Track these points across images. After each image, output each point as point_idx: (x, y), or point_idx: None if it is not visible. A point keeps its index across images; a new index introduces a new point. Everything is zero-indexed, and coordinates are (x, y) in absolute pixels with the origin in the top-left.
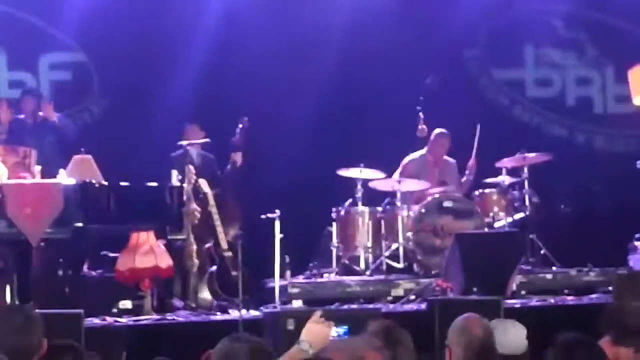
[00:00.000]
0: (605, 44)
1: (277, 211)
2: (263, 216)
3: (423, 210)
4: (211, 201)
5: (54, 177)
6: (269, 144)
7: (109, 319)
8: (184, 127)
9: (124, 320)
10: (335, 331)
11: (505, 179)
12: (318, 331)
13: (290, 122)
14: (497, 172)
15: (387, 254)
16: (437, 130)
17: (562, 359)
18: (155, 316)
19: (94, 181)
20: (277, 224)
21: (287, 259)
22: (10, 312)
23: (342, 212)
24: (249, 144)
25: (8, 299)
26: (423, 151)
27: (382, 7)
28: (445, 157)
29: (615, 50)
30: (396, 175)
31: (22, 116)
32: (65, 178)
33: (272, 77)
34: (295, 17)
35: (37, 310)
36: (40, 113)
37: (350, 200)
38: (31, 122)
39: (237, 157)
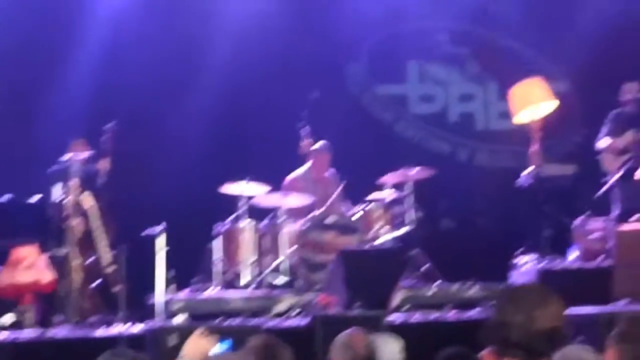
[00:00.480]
0: (488, 60)
1: (163, 224)
2: (145, 232)
3: (306, 226)
4: (93, 215)
5: None
6: (157, 156)
7: None
8: (69, 142)
9: (5, 335)
10: (219, 346)
11: (388, 195)
12: (199, 347)
13: (177, 135)
14: (380, 188)
15: (270, 269)
16: (317, 146)
17: None
18: (37, 331)
19: None
20: (163, 237)
21: (172, 274)
22: None
23: (226, 227)
24: (118, 149)
25: None
26: (307, 166)
27: (268, 21)
28: (328, 172)
29: (498, 66)
30: (281, 190)
31: None
32: None
33: (160, 89)
34: (181, 29)
35: None
36: None
37: (234, 215)
38: None
39: (104, 164)
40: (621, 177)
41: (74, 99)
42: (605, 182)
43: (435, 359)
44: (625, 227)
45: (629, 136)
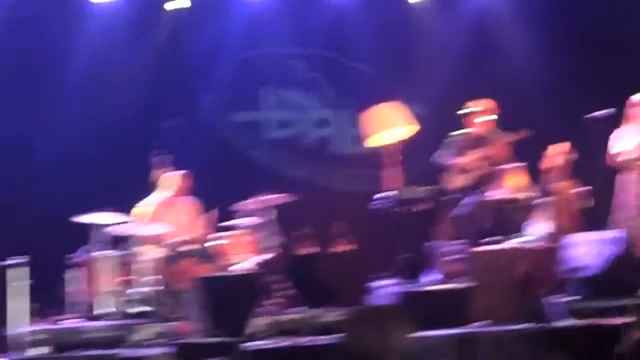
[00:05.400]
0: (343, 85)
1: (25, 256)
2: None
3: (164, 254)
4: None
5: None
6: (16, 185)
7: None
8: None
9: None
10: None
11: (247, 221)
12: None
13: (32, 165)
14: (240, 214)
15: (128, 298)
16: (180, 173)
17: None
18: None
19: None
20: (23, 269)
21: (36, 306)
22: None
23: (81, 258)
24: None
25: None
26: (160, 194)
27: (126, 51)
28: (184, 198)
29: (353, 91)
30: (136, 219)
31: None
32: None
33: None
34: (38, 41)
35: None
36: None
37: (89, 245)
38: None
39: None
40: (472, 197)
41: None
42: (459, 202)
43: None
44: (480, 248)
45: (473, 154)
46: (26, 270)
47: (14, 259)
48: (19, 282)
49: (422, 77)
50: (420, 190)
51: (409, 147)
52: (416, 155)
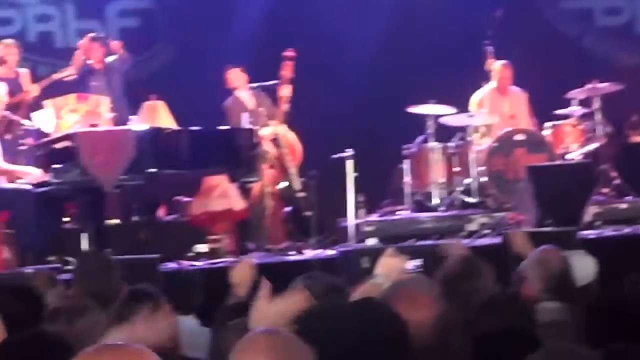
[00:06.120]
0: None
1: (350, 150)
2: (334, 156)
3: (495, 145)
4: (282, 142)
5: (125, 124)
6: (337, 82)
7: (185, 263)
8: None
9: (199, 264)
10: (412, 264)
11: (576, 110)
12: (392, 264)
13: (358, 60)
14: (567, 104)
15: (460, 189)
16: (501, 62)
17: None
18: (230, 259)
19: (165, 127)
20: (350, 163)
21: (362, 197)
22: (88, 259)
23: (414, 149)
24: (298, 76)
25: (85, 246)
26: (490, 85)
27: None
28: (512, 87)
29: None
30: (469, 110)
31: (91, 62)
32: (136, 124)
33: (338, 11)
34: None
35: (114, 256)
36: (109, 59)
37: (421, 137)
38: (101, 69)
39: (285, 91)
40: None
41: (247, 28)
42: None
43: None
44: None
45: None
46: (352, 164)
47: (345, 152)
48: (352, 176)
49: None
50: None
51: None
52: None
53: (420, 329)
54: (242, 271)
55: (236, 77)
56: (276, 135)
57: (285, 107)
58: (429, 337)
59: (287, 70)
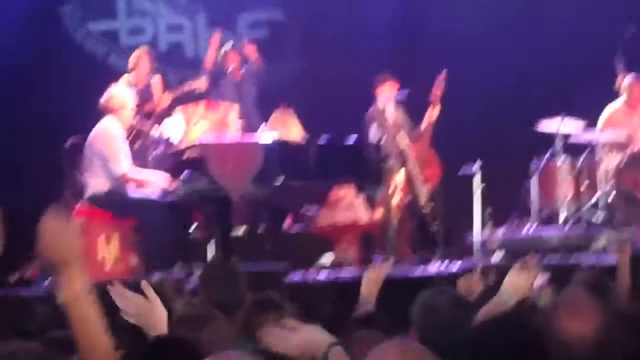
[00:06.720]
0: None
1: (479, 161)
2: (461, 172)
3: (625, 161)
4: (410, 155)
5: (255, 131)
6: (467, 95)
7: (310, 274)
8: (374, 79)
9: (325, 274)
10: (539, 280)
11: None
12: (519, 282)
13: (487, 74)
14: None
15: (588, 205)
16: (631, 77)
17: None
18: (356, 270)
19: (292, 139)
20: (478, 175)
21: (489, 211)
22: (215, 267)
23: (542, 164)
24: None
25: (211, 255)
26: (621, 100)
27: None
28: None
29: None
30: (598, 125)
31: (225, 70)
32: (266, 132)
33: (468, 26)
34: None
35: (240, 266)
36: (242, 71)
37: (549, 152)
38: (234, 77)
39: (435, 112)
40: None
41: (376, 33)
42: None
43: None
44: None
45: None
46: (480, 177)
47: (473, 166)
48: (479, 189)
49: None
50: None
51: None
52: None
53: (582, 341)
54: (372, 282)
55: (386, 90)
56: (405, 150)
57: (430, 128)
58: (589, 350)
59: (438, 91)
